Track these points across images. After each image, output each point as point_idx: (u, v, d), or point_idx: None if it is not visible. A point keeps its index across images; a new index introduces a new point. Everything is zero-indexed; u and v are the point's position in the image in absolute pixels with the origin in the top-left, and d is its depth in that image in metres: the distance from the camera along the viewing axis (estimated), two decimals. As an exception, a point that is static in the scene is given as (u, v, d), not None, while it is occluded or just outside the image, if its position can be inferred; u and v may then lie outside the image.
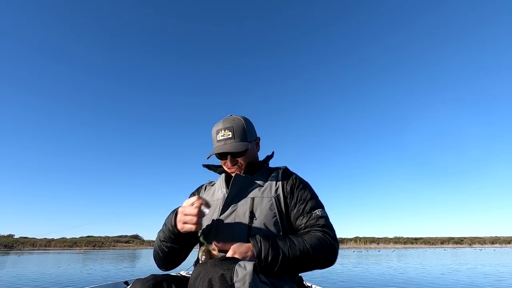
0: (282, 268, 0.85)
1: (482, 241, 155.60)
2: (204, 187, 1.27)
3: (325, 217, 0.99)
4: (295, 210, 1.02)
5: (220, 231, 0.98)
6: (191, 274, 0.71)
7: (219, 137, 1.11)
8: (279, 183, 1.07)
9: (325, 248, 0.90)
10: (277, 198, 1.03)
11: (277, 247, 0.85)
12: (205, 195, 1.20)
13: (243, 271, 0.64)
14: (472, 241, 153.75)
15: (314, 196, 1.06)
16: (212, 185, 1.24)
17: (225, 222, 1.00)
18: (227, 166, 1.15)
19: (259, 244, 0.84)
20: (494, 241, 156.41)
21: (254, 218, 0.96)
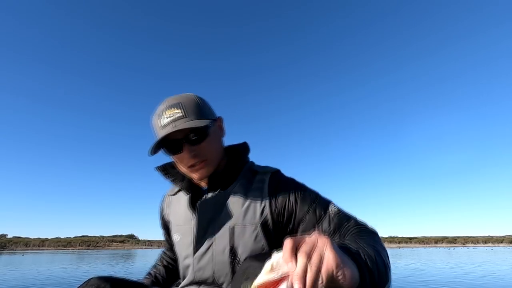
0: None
1: (475, 240, 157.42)
2: (166, 203, 0.98)
3: (342, 211, 0.77)
4: (305, 223, 0.75)
5: (199, 272, 0.80)
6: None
7: (164, 119, 0.76)
8: (266, 199, 0.78)
9: (379, 239, 0.67)
10: (264, 225, 0.76)
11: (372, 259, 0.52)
12: (172, 216, 0.94)
13: None
14: (466, 241, 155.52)
15: (317, 195, 0.81)
16: (175, 195, 0.95)
17: (201, 260, 0.79)
18: (185, 164, 0.80)
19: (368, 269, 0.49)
20: (487, 240, 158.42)
21: (237, 256, 0.75)
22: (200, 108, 0.79)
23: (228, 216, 0.79)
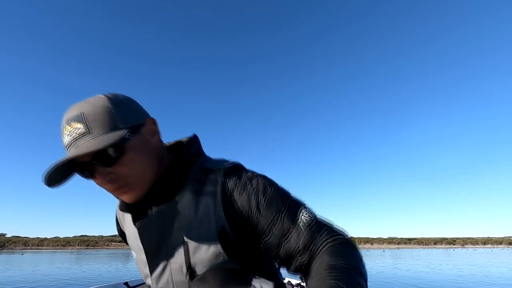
0: None
1: (474, 241, 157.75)
2: (120, 222, 0.86)
3: (314, 219, 0.61)
4: (270, 237, 0.61)
5: None
6: None
7: (65, 137, 0.57)
8: (220, 205, 0.63)
9: (355, 253, 0.56)
10: (222, 236, 0.62)
11: None
12: (125, 228, 0.80)
13: None
14: (465, 242, 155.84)
15: (286, 198, 0.64)
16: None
17: (160, 281, 0.68)
18: (107, 190, 0.63)
19: None
20: (486, 241, 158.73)
21: (196, 274, 0.63)
22: (111, 116, 0.58)
23: (179, 231, 0.65)
